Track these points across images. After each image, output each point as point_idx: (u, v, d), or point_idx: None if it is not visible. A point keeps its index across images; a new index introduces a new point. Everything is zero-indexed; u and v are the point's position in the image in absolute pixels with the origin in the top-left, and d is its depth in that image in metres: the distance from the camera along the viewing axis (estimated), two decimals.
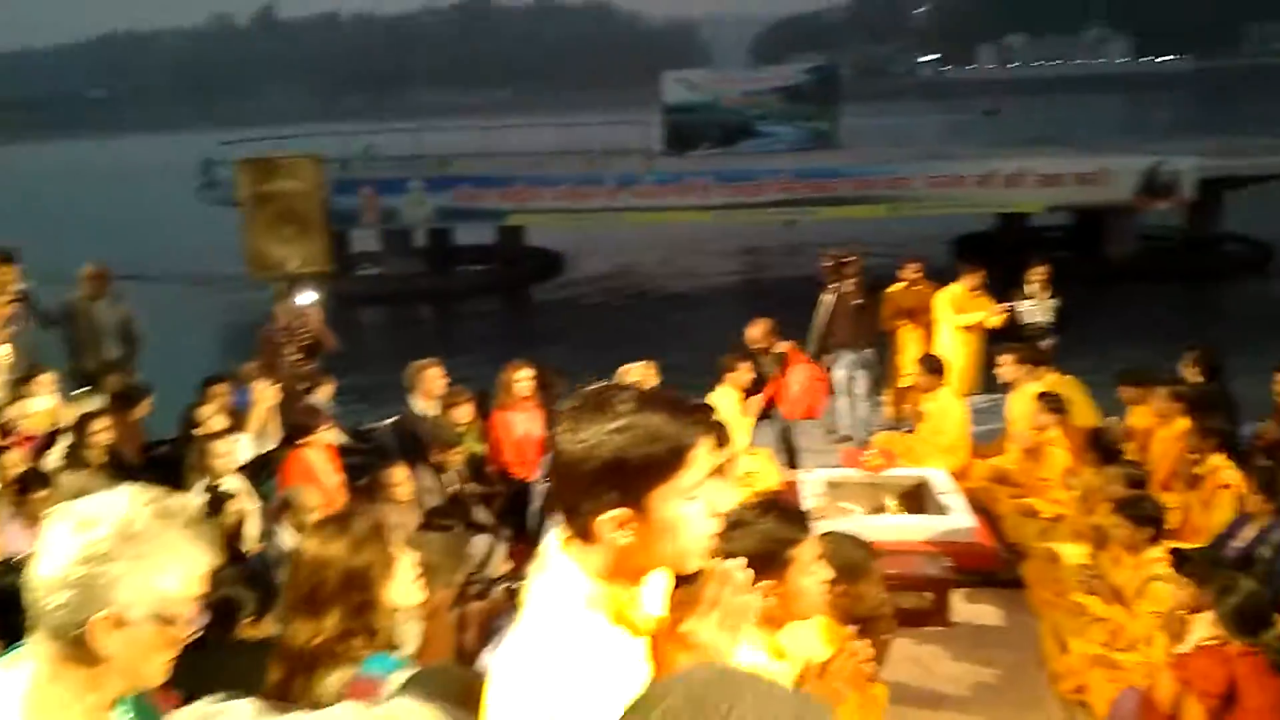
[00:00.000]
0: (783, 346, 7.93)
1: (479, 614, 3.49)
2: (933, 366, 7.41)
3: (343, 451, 6.76)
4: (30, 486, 5.18)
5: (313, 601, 2.28)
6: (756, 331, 8.09)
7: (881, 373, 8.88)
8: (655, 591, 1.62)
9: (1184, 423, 6.01)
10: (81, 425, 6.00)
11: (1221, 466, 5.64)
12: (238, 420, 6.68)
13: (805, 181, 20.03)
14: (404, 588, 2.39)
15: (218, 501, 5.40)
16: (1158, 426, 6.47)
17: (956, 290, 8.60)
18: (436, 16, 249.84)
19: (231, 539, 5.17)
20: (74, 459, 5.86)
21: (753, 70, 39.12)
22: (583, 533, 1.49)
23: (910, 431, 7.80)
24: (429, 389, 6.70)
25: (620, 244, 26.10)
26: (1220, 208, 22.10)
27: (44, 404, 6.58)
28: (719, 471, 1.51)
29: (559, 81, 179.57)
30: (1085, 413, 7.19)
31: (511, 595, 3.56)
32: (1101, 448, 5.95)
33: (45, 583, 1.54)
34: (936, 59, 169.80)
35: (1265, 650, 3.31)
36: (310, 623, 2.26)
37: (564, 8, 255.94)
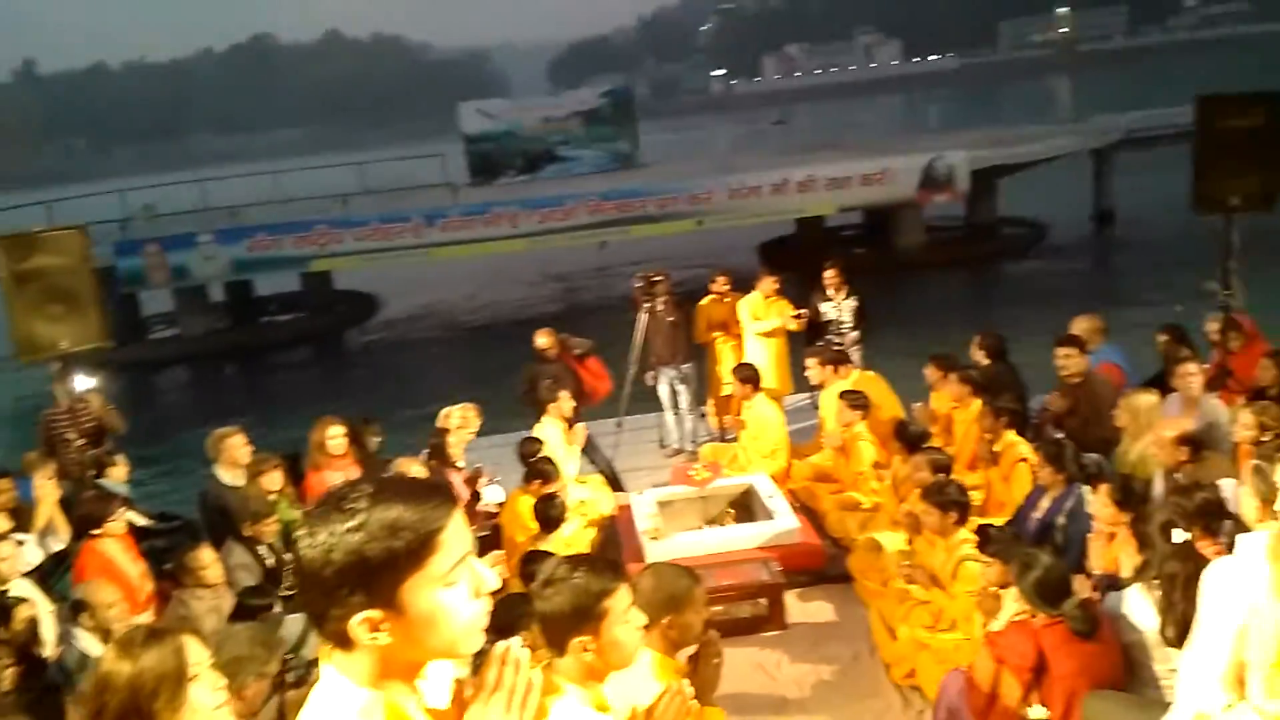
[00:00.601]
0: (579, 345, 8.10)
1: (299, 701, 3.27)
2: (746, 375, 7.59)
3: (144, 535, 6.30)
4: None
5: None
6: (545, 340, 8.14)
7: (702, 385, 9.05)
8: (439, 683, 1.55)
9: (977, 404, 6.40)
10: None
11: (1015, 443, 6.05)
12: (22, 518, 6.11)
13: (612, 202, 20.26)
14: (203, 715, 2.21)
15: (4, 609, 4.90)
16: (955, 409, 6.88)
17: (754, 297, 8.84)
18: (214, 60, 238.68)
19: (26, 647, 4.70)
20: None
21: (550, 96, 39.37)
22: (338, 640, 1.40)
23: (734, 440, 7.98)
24: (233, 457, 6.32)
25: (433, 280, 25.65)
26: (995, 194, 23.88)
27: None
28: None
29: (353, 118, 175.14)
30: (889, 405, 7.55)
31: None
32: (906, 437, 6.24)
33: None
34: (724, 74, 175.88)
35: (1068, 619, 3.53)
36: None
37: (351, 41, 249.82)
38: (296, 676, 3.39)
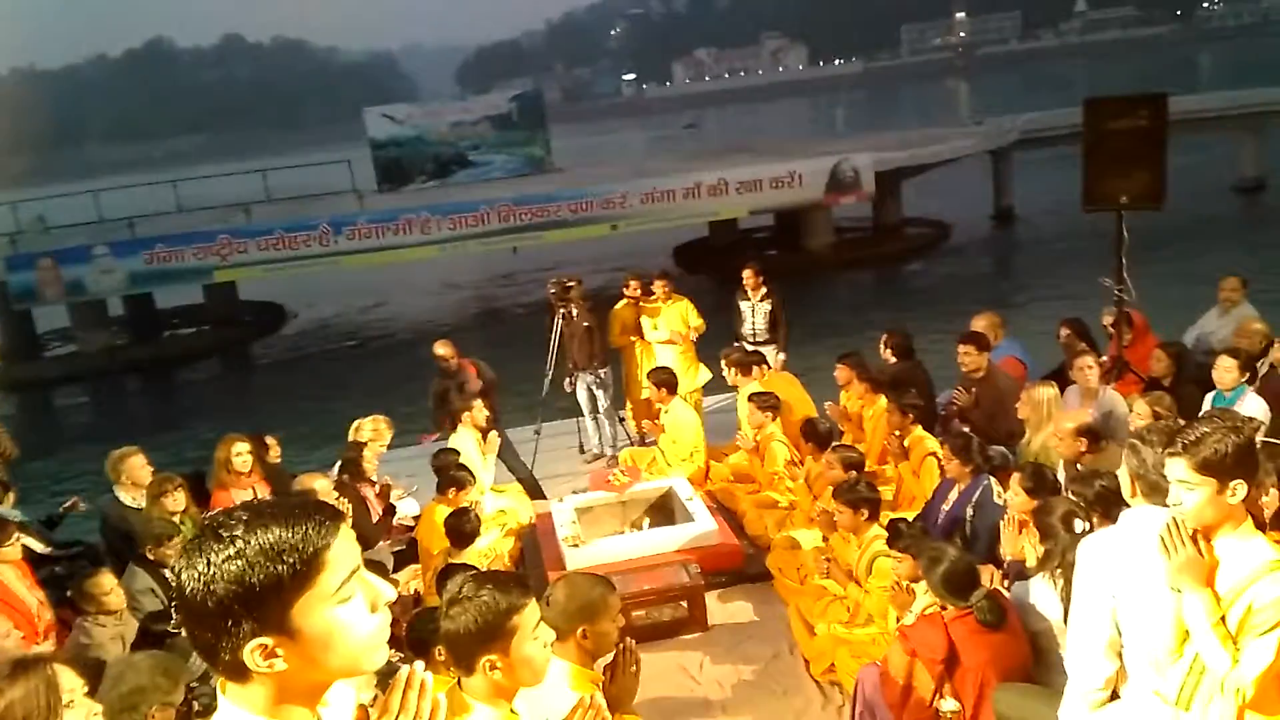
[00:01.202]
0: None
1: None
2: (661, 379, 7.61)
3: (41, 562, 6.02)
4: None
5: None
6: (444, 350, 8.09)
7: (619, 390, 9.06)
8: (341, 707, 1.51)
9: (884, 401, 6.55)
10: None
11: (923, 438, 6.20)
12: None
13: (525, 207, 20.16)
14: None
15: None
16: (864, 406, 7.02)
17: (651, 301, 8.85)
18: (109, 65, 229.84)
19: None
20: None
21: (459, 101, 38.90)
22: (234, 672, 1.35)
23: (653, 444, 8.00)
24: (134, 478, 6.09)
25: (342, 289, 25.18)
26: (899, 196, 24.48)
27: None
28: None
29: (255, 125, 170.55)
30: (802, 404, 7.66)
31: None
32: (815, 436, 6.34)
33: None
34: (634, 78, 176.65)
35: (976, 610, 3.62)
36: None
37: (253, 46, 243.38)
38: (203, 705, 3.28)
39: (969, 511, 5.13)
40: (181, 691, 3.23)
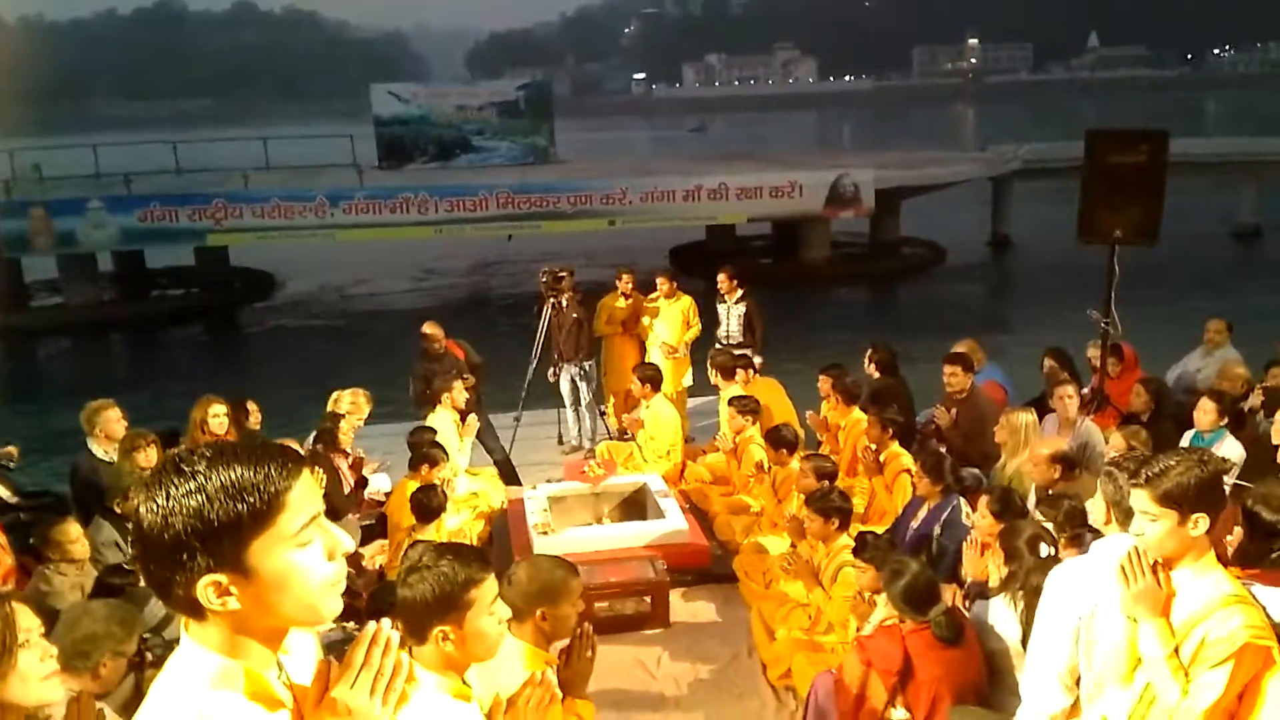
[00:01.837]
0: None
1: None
2: (647, 375, 7.63)
3: (6, 509, 6.00)
4: None
5: None
6: (434, 330, 8.08)
7: (602, 383, 9.07)
8: (302, 658, 1.51)
9: (857, 413, 6.57)
10: None
11: (899, 454, 6.22)
12: None
13: (524, 196, 20.15)
14: (28, 685, 2.11)
15: None
16: (842, 418, 7.04)
17: (653, 298, 8.89)
18: (117, 22, 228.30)
19: None
20: None
21: (466, 84, 38.88)
22: (188, 608, 1.35)
23: (632, 440, 8.00)
24: (107, 431, 6.07)
25: (335, 263, 25.09)
26: (899, 214, 24.55)
27: None
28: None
29: (260, 93, 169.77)
30: (783, 411, 7.68)
31: None
32: (779, 441, 6.35)
33: None
34: (644, 78, 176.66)
35: (933, 625, 3.64)
36: None
37: (264, 14, 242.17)
38: (156, 656, 3.26)
39: (937, 529, 5.15)
40: (135, 642, 3.21)
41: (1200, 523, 2.69)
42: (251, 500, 1.32)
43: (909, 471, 5.95)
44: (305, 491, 1.38)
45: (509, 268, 25.04)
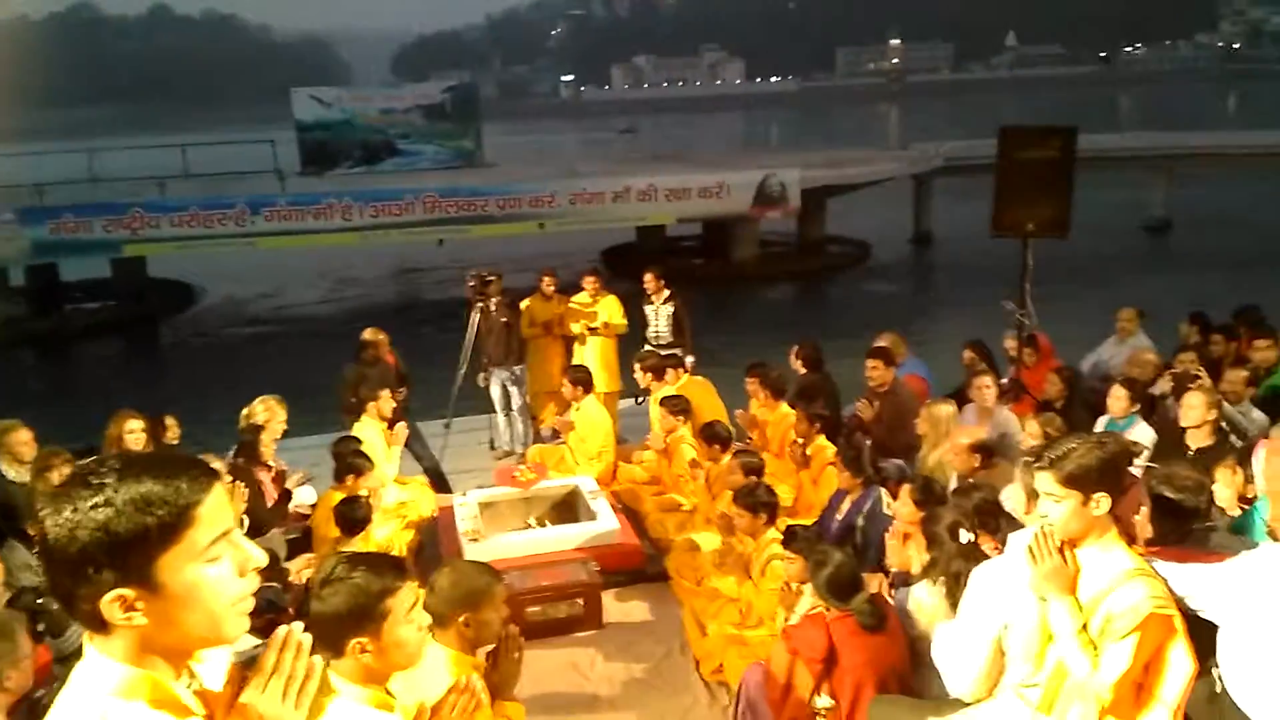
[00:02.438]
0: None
1: None
2: (577, 377, 7.62)
3: None
4: None
5: None
6: (375, 337, 7.99)
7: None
8: (214, 664, 1.49)
9: (784, 408, 6.66)
10: None
11: (825, 447, 6.32)
12: None
13: (452, 200, 20.00)
14: None
15: None
16: (770, 414, 7.13)
17: (580, 298, 8.89)
18: (29, 27, 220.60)
19: None
20: None
21: (390, 88, 38.36)
22: (93, 622, 1.33)
23: (562, 442, 7.99)
24: (15, 453, 5.86)
25: (256, 272, 24.61)
26: (825, 213, 24.92)
27: None
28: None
29: (178, 99, 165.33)
30: (713, 409, 7.73)
31: None
32: (712, 437, 6.41)
33: None
34: (573, 79, 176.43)
35: (856, 613, 3.71)
36: None
37: (182, 18, 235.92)
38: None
39: (860, 520, 5.25)
40: (27, 646, 3.14)
41: (1102, 502, 2.79)
42: (160, 514, 1.30)
43: (835, 464, 6.05)
44: (217, 506, 1.36)
45: (437, 273, 24.82)
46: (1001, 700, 3.06)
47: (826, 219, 25.29)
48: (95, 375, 18.53)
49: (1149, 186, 27.70)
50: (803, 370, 7.58)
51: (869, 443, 6.57)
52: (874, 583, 4.35)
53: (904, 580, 4.46)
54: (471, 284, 8.64)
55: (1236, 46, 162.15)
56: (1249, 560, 2.74)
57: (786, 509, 5.90)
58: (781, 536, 5.00)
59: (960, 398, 6.94)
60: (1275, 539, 3.03)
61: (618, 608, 5.76)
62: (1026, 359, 7.95)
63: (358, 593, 2.23)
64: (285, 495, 6.35)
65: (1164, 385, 7.03)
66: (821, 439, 6.35)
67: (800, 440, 6.35)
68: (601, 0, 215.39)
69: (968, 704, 3.26)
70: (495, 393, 8.72)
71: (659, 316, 8.96)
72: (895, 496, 4.90)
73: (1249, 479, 4.23)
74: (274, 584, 4.95)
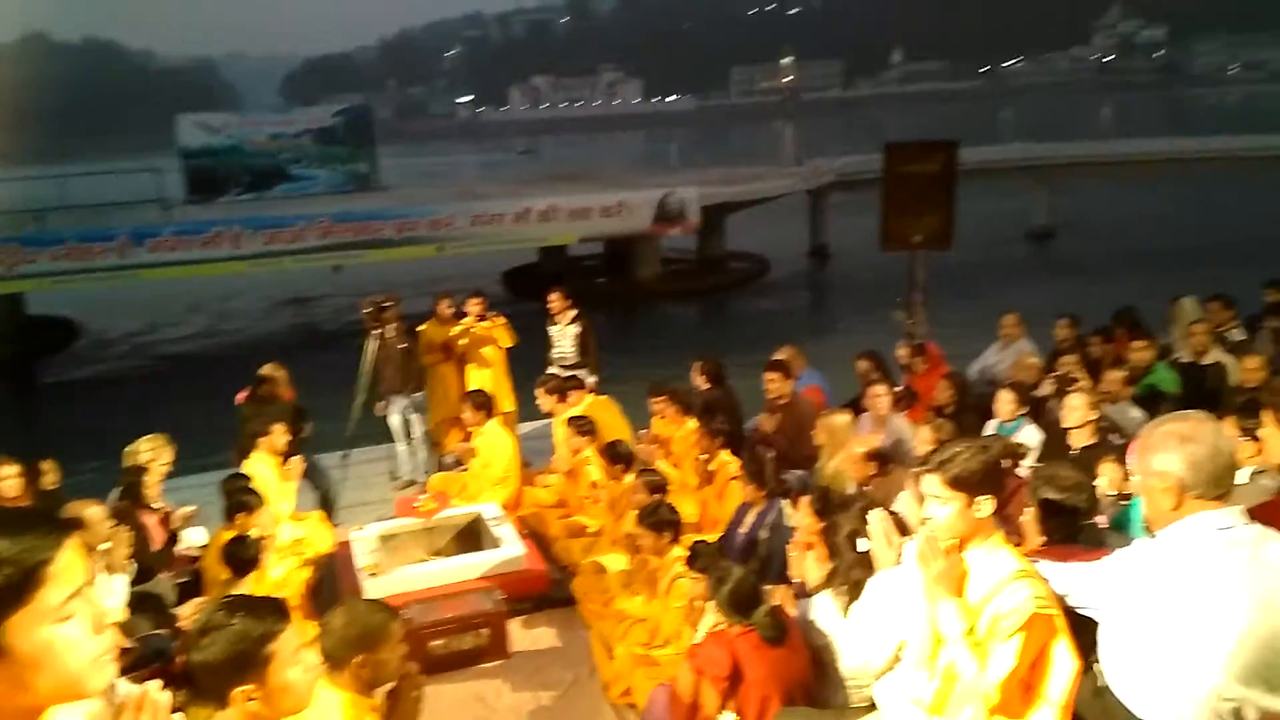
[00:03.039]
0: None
1: None
2: (478, 402, 7.52)
3: None
4: None
5: None
6: (275, 372, 7.77)
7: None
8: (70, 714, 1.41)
9: (693, 426, 6.69)
10: None
11: (728, 462, 6.37)
12: None
13: (346, 225, 19.59)
14: None
15: None
16: (675, 430, 7.15)
17: (466, 321, 8.77)
18: None
19: None
20: None
21: (279, 113, 37.57)
22: None
23: (465, 469, 7.86)
24: None
25: (144, 303, 23.70)
26: (724, 230, 25.26)
27: None
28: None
29: (60, 128, 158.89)
30: (619, 429, 7.72)
31: None
32: (614, 457, 6.40)
33: None
34: (470, 100, 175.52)
35: (758, 627, 3.73)
36: None
37: (60, 45, 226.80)
38: None
39: (763, 534, 5.29)
40: None
41: (986, 504, 2.86)
42: (9, 573, 1.23)
43: (739, 478, 6.10)
44: (70, 562, 1.29)
45: (333, 300, 24.29)
46: (897, 706, 3.11)
47: (726, 235, 25.65)
48: None
49: (1032, 196, 28.86)
50: (705, 386, 7.64)
51: (771, 455, 6.66)
52: (779, 595, 4.39)
53: (805, 591, 4.50)
54: (367, 310, 8.47)
55: (1110, 59, 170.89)
56: (1125, 556, 2.84)
57: (692, 525, 5.92)
58: (687, 554, 5.00)
59: (857, 408, 7.08)
60: (1150, 534, 3.15)
61: (525, 635, 5.67)
62: (917, 367, 8.17)
63: (238, 639, 2.14)
64: (172, 538, 6.09)
65: (1048, 388, 7.30)
66: (725, 454, 6.39)
67: (704, 456, 6.38)
68: (497, 21, 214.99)
69: (869, 712, 3.31)
70: (394, 421, 8.54)
71: (564, 337, 8.92)
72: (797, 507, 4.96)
73: (1128, 475, 4.42)
74: (162, 631, 4.73)
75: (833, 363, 11.10)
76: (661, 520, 5.00)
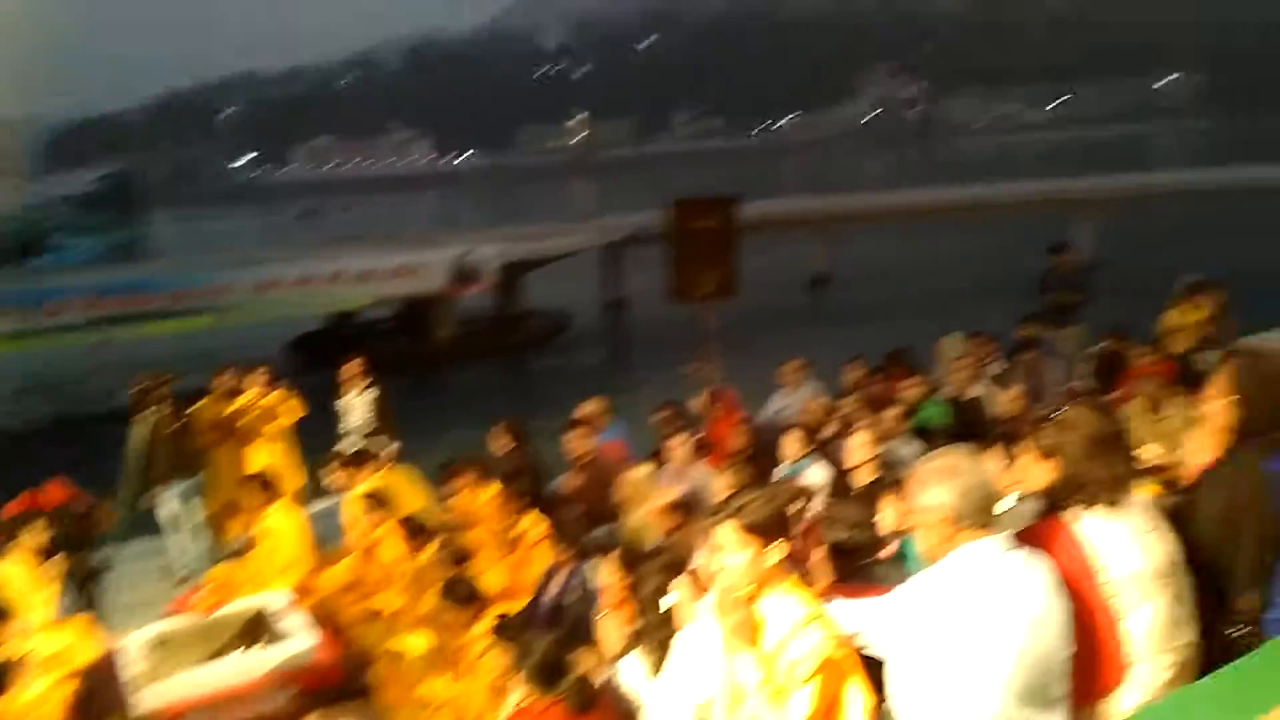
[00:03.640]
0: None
1: None
2: (259, 482, 7.08)
3: None
4: None
5: None
6: (60, 493, 7.07)
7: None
8: None
9: (493, 491, 6.55)
10: None
11: (533, 526, 6.24)
12: None
13: (114, 297, 18.25)
14: None
15: None
16: (477, 498, 6.97)
17: (250, 395, 8.33)
18: None
19: None
20: None
21: (35, 180, 34.80)
22: None
23: (247, 556, 7.33)
24: None
25: None
26: (521, 287, 25.27)
27: None
28: None
29: None
30: (416, 499, 7.46)
31: None
32: (418, 533, 6.18)
33: None
34: (249, 162, 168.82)
35: (566, 697, 3.63)
36: None
37: None
38: None
39: (571, 598, 5.20)
40: None
41: (778, 549, 2.91)
42: None
43: (545, 542, 5.99)
44: None
45: (96, 380, 22.34)
46: None
47: (525, 293, 25.66)
48: None
49: (811, 245, 30.57)
50: (506, 449, 7.51)
51: (577, 514, 6.59)
52: (587, 660, 4.30)
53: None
54: (136, 390, 7.86)
55: (876, 113, 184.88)
56: (905, 590, 2.94)
57: (502, 594, 5.75)
58: (493, 626, 4.83)
59: (659, 459, 7.14)
60: (927, 567, 3.30)
61: None
62: (713, 415, 8.36)
63: None
64: None
65: (831, 429, 7.62)
66: (528, 518, 6.26)
67: (506, 521, 6.23)
68: (277, 81, 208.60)
69: None
70: (164, 514, 7.89)
71: (359, 405, 8.60)
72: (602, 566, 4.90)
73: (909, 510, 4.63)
74: None
75: (637, 415, 11.23)
76: (461, 595, 4.82)
